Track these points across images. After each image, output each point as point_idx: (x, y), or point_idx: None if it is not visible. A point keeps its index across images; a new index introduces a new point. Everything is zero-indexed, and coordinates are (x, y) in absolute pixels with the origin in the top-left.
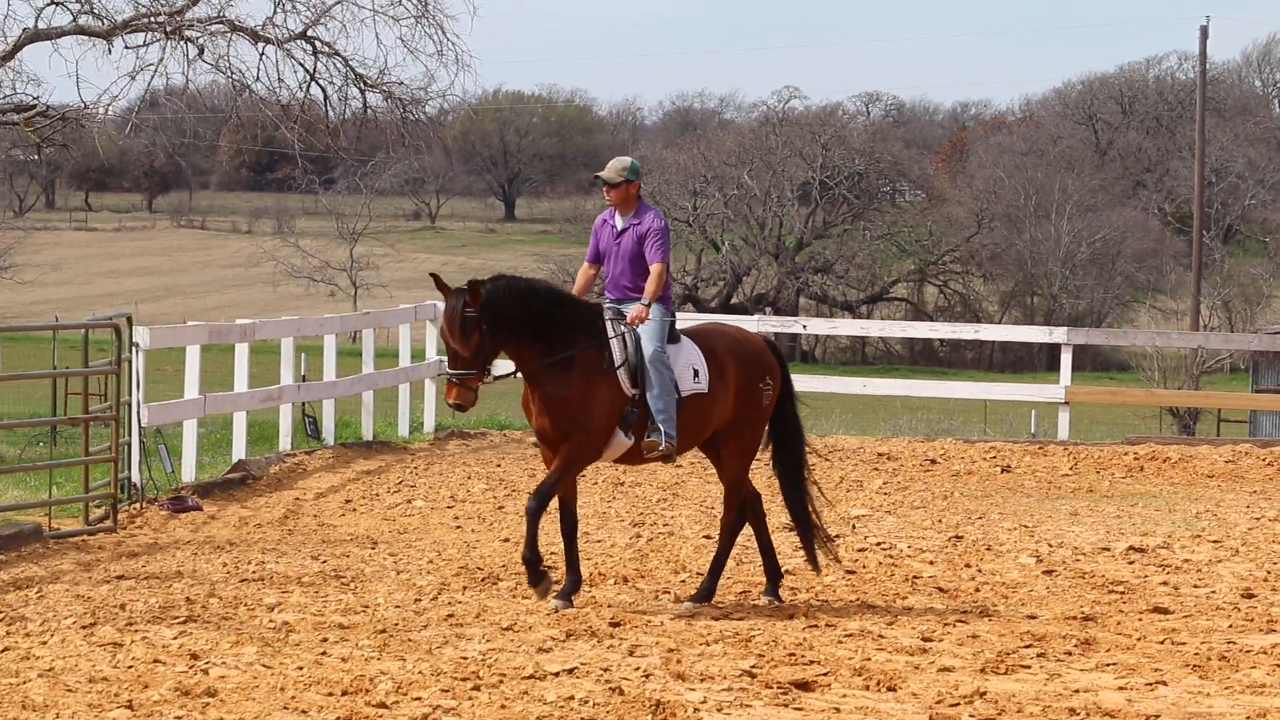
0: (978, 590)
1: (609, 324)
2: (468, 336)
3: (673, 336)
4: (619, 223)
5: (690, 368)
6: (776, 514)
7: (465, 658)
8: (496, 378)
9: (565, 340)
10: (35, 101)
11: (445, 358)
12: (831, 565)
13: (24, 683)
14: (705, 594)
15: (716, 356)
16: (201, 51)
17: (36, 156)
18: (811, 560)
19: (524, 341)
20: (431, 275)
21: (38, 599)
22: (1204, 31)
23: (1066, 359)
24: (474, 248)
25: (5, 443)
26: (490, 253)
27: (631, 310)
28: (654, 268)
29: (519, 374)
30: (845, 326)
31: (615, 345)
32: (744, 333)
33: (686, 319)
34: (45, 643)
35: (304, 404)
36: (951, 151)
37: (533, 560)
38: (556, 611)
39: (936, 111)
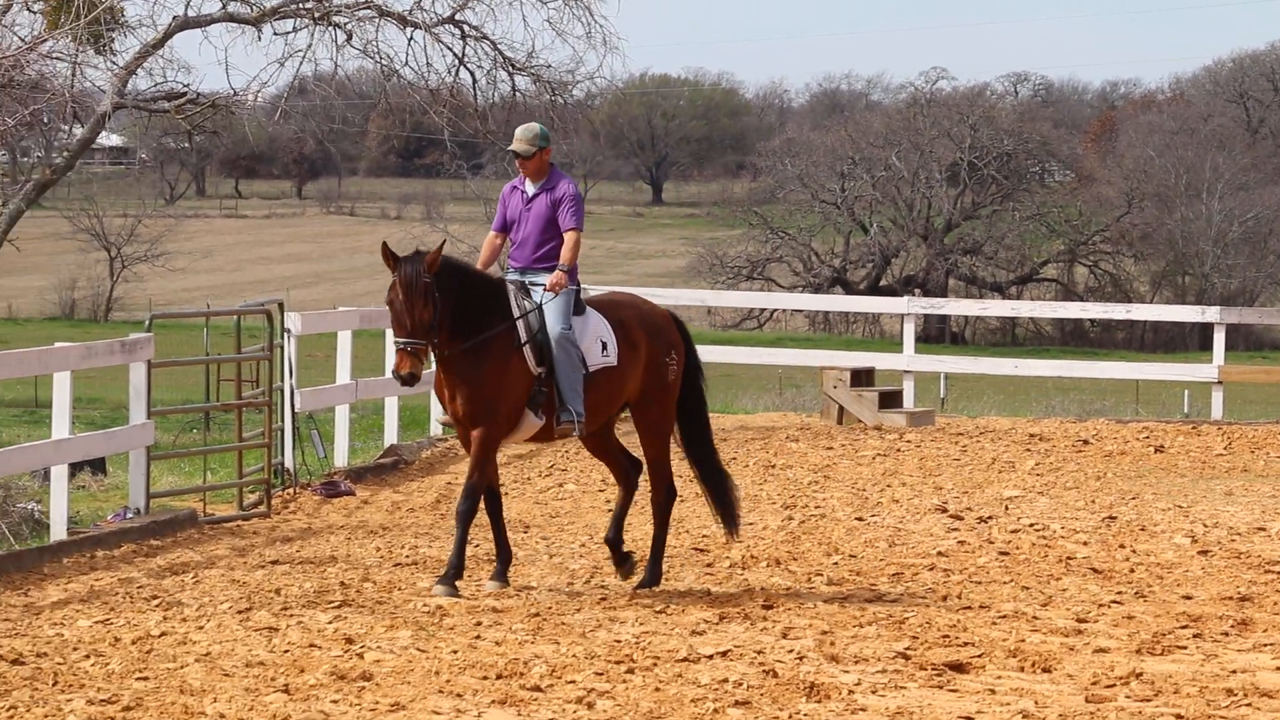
0: (1132, 571)
1: (513, 302)
2: (425, 304)
3: (578, 308)
4: (529, 189)
5: (598, 340)
6: (689, 492)
7: (619, 641)
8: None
9: (480, 322)
10: (186, 89)
11: (395, 328)
12: (985, 547)
13: (181, 667)
14: (653, 578)
15: (626, 328)
16: (350, 37)
17: (187, 144)
18: (729, 528)
19: (447, 322)
20: (383, 244)
21: (194, 584)
22: None
23: (1220, 338)
24: (621, 231)
25: (160, 429)
26: (637, 236)
27: (550, 278)
28: (570, 235)
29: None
30: (995, 308)
31: (520, 325)
32: (649, 304)
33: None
34: (202, 627)
35: None
36: (1101, 131)
37: (458, 567)
38: (492, 594)
39: (1085, 91)
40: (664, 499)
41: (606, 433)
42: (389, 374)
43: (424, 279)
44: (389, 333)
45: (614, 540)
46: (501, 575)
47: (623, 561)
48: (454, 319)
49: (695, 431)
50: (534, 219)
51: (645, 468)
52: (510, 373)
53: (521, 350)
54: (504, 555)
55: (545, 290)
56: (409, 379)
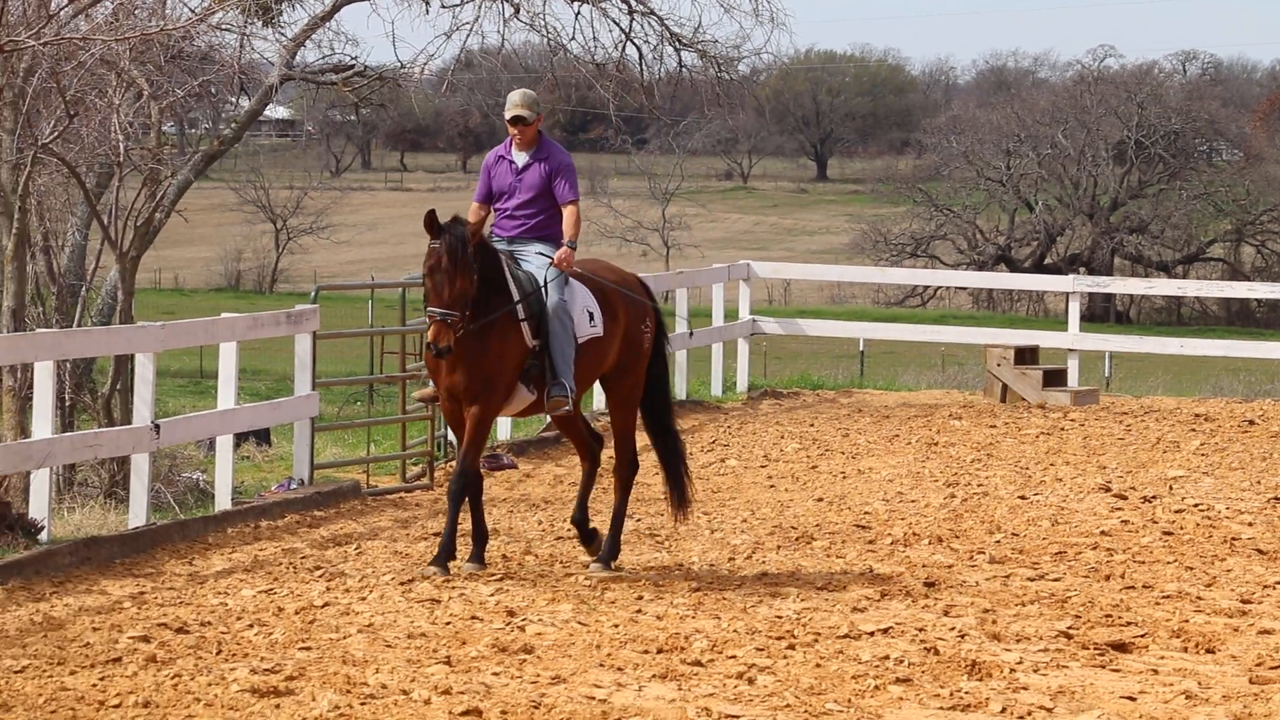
0: None
1: (508, 274)
2: (466, 275)
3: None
4: (519, 158)
5: (586, 311)
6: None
7: (780, 616)
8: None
9: (489, 296)
10: (353, 62)
11: (432, 298)
12: (1148, 527)
13: (344, 638)
14: (611, 553)
15: (608, 297)
16: (517, 10)
17: (354, 117)
18: (679, 505)
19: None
20: (430, 211)
21: (356, 555)
22: None
23: None
24: (785, 208)
25: (324, 401)
26: (801, 213)
27: (558, 254)
28: (571, 208)
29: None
30: (1161, 287)
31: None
32: (623, 271)
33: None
34: (364, 599)
35: None
36: (1270, 110)
37: (450, 548)
38: (469, 575)
39: (1254, 69)
40: (628, 472)
41: (576, 406)
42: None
43: (467, 249)
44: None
45: (580, 520)
46: (479, 557)
47: (590, 539)
48: (477, 292)
49: (659, 401)
50: (526, 189)
51: (612, 440)
52: (509, 347)
53: (520, 324)
54: (481, 537)
55: (552, 265)
56: (446, 351)
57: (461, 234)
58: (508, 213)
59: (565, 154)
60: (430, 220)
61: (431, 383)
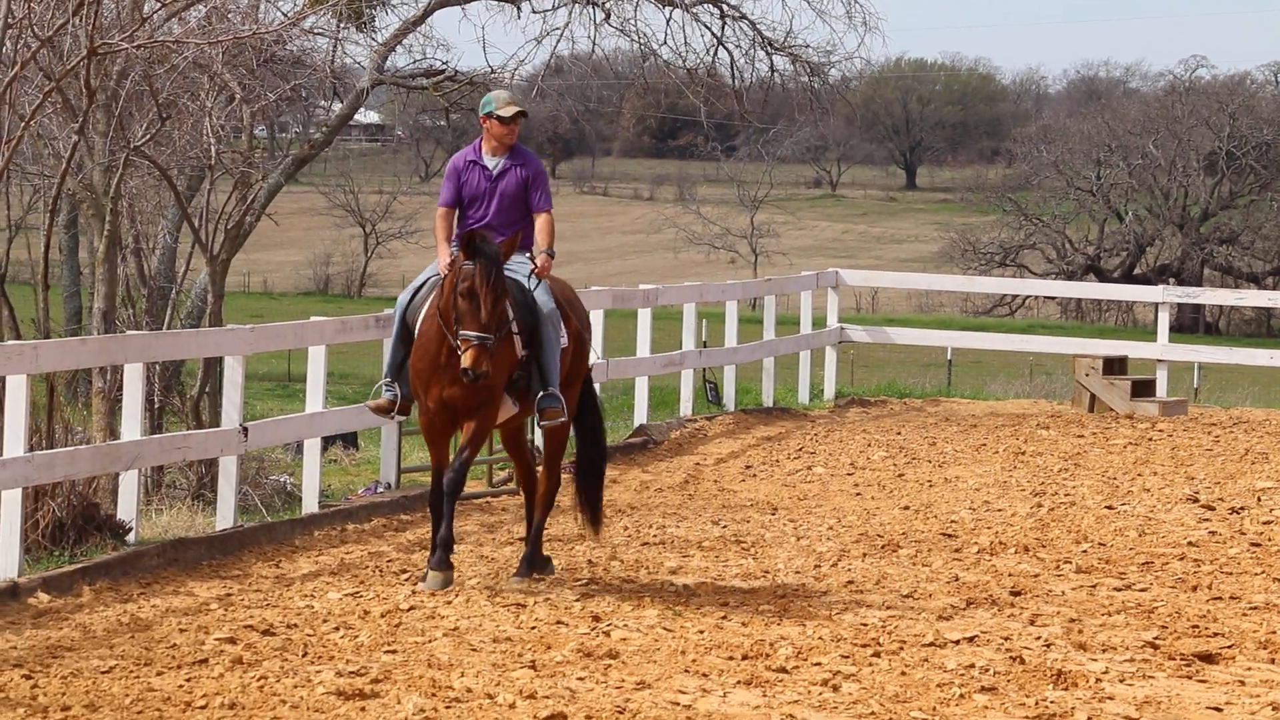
0: None
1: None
2: (502, 298)
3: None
4: (492, 163)
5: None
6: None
7: (865, 624)
8: None
9: None
10: (444, 66)
11: (467, 321)
12: (1236, 538)
13: (429, 641)
14: (530, 565)
15: (562, 307)
16: (608, 16)
17: (444, 121)
18: (593, 524)
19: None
20: (472, 232)
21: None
22: None
23: None
24: (874, 216)
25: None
26: (890, 221)
27: (539, 263)
28: (545, 217)
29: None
30: (1251, 298)
31: (510, 308)
32: (560, 279)
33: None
34: (450, 602)
35: (705, 369)
36: None
37: (448, 540)
38: (434, 591)
39: None
40: (553, 486)
41: (522, 425)
42: (462, 367)
43: (502, 270)
44: (640, 312)
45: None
46: (446, 563)
47: (544, 565)
48: None
49: (595, 414)
50: (502, 196)
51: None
52: (505, 358)
53: (514, 335)
54: (449, 542)
55: (533, 275)
56: (484, 376)
57: (495, 254)
58: (481, 222)
59: (539, 161)
60: (469, 241)
61: (389, 392)
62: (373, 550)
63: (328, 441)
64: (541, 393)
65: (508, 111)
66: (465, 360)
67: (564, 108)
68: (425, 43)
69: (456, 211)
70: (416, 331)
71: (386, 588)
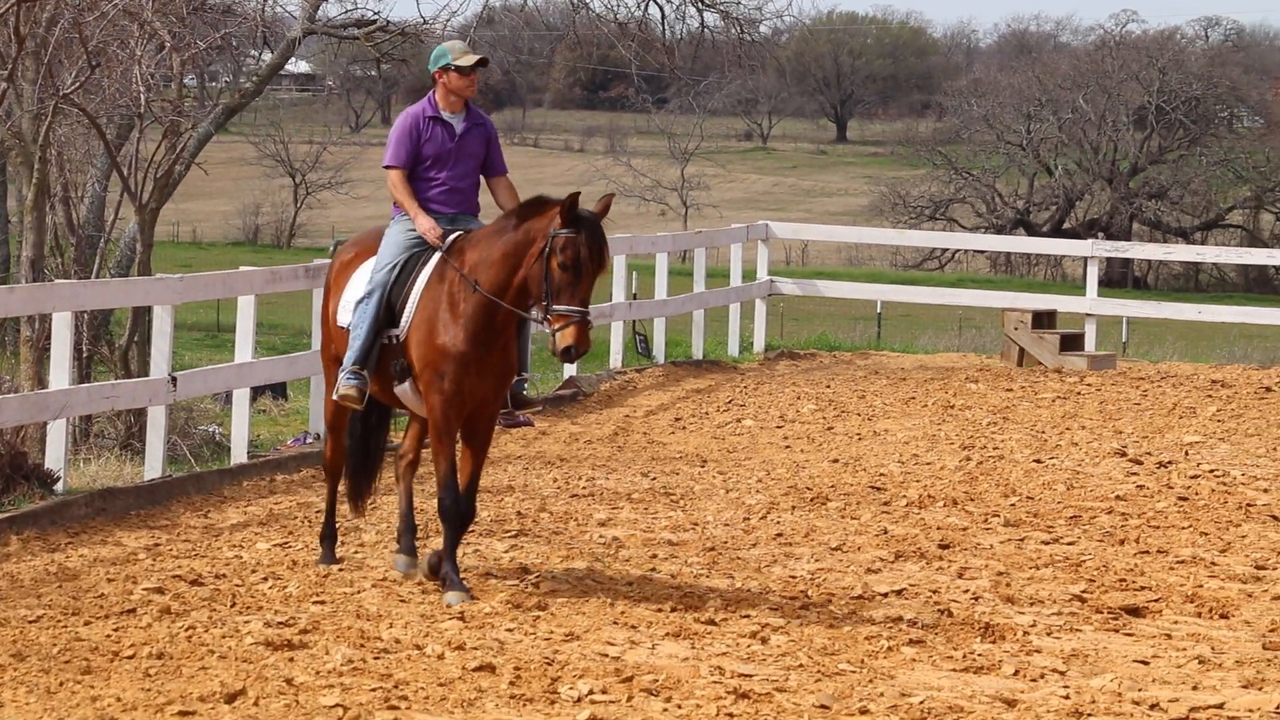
0: None
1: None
2: (599, 273)
3: None
4: (454, 121)
5: None
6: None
7: (794, 577)
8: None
9: None
10: (375, 17)
11: (568, 295)
12: (1164, 492)
13: (358, 592)
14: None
15: None
16: None
17: (375, 72)
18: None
19: None
20: (574, 195)
21: (371, 510)
22: None
23: None
24: (804, 169)
25: None
26: (820, 174)
27: None
28: (507, 180)
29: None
30: (1179, 253)
31: None
32: None
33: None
34: (380, 554)
35: (635, 322)
36: None
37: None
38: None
39: (1277, 36)
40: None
41: None
42: (557, 348)
43: (605, 240)
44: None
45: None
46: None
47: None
48: None
49: None
50: (468, 157)
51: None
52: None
53: None
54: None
55: None
56: (585, 353)
57: (597, 222)
58: (444, 184)
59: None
60: (571, 207)
61: (355, 380)
62: (302, 501)
63: (257, 392)
64: (516, 378)
65: (467, 61)
66: (565, 337)
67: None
68: None
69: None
70: (414, 309)
71: (315, 538)
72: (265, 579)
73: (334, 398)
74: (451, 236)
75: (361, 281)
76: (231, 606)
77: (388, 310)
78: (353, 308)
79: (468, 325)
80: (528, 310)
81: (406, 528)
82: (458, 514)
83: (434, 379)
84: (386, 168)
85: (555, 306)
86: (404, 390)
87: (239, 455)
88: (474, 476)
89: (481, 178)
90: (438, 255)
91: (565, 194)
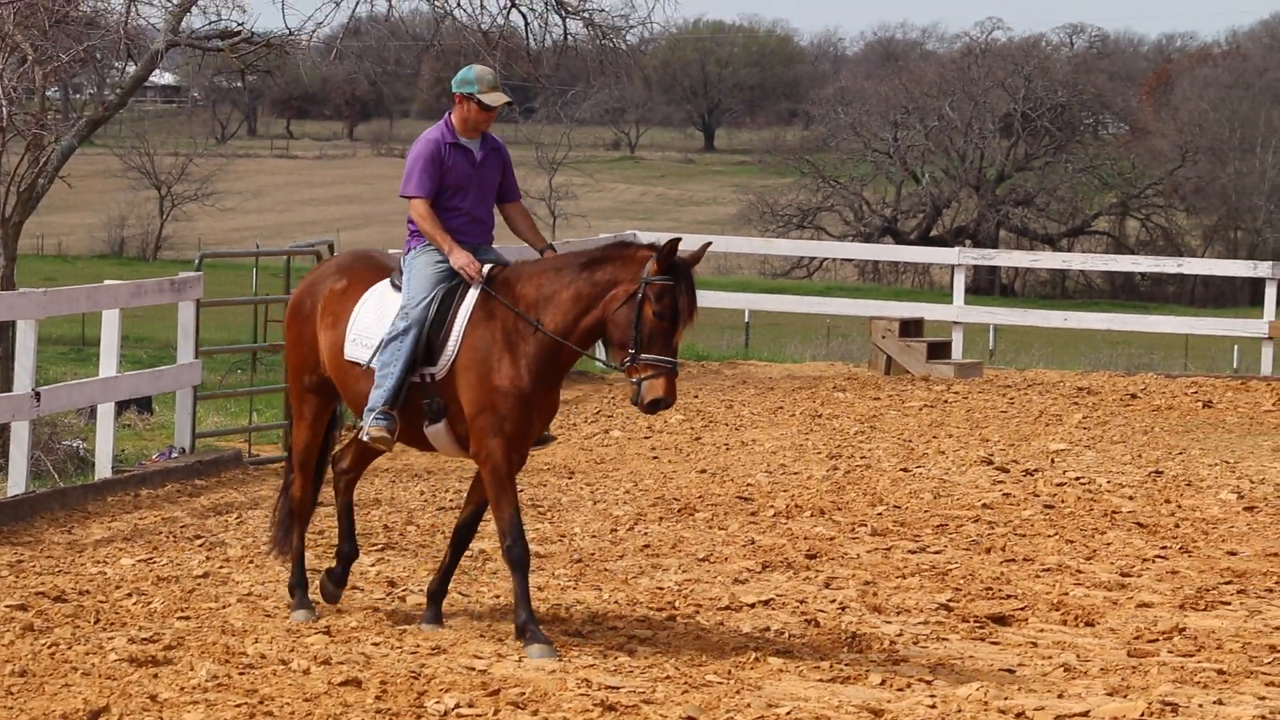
0: (1177, 526)
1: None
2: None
3: None
4: (472, 146)
5: None
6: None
7: (661, 588)
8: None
9: None
10: (240, 28)
11: (659, 345)
12: (1030, 500)
13: (223, 607)
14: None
15: None
16: None
17: (240, 83)
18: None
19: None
20: (672, 244)
21: (237, 525)
22: None
23: (1271, 293)
24: (673, 178)
25: (206, 369)
26: (689, 184)
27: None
28: (521, 206)
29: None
30: (1046, 260)
31: None
32: None
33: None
34: (245, 568)
35: None
36: (1156, 84)
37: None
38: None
39: (1141, 43)
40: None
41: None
42: (645, 401)
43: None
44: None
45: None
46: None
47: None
48: None
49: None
50: (488, 184)
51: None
52: None
53: None
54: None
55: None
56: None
57: (691, 272)
58: (466, 214)
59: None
60: (670, 254)
61: (385, 421)
62: (167, 516)
63: (122, 406)
64: None
65: (493, 101)
66: (655, 389)
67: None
68: (221, 3)
69: None
70: (457, 347)
71: (180, 553)
72: (130, 595)
73: (364, 439)
74: (486, 269)
75: (378, 316)
76: (95, 623)
77: (429, 350)
78: (376, 345)
79: (530, 365)
80: (625, 355)
81: (347, 550)
82: (526, 560)
83: (494, 421)
84: (409, 197)
85: (644, 356)
86: (437, 431)
87: (104, 470)
88: (483, 506)
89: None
90: (476, 289)
91: (536, 234)
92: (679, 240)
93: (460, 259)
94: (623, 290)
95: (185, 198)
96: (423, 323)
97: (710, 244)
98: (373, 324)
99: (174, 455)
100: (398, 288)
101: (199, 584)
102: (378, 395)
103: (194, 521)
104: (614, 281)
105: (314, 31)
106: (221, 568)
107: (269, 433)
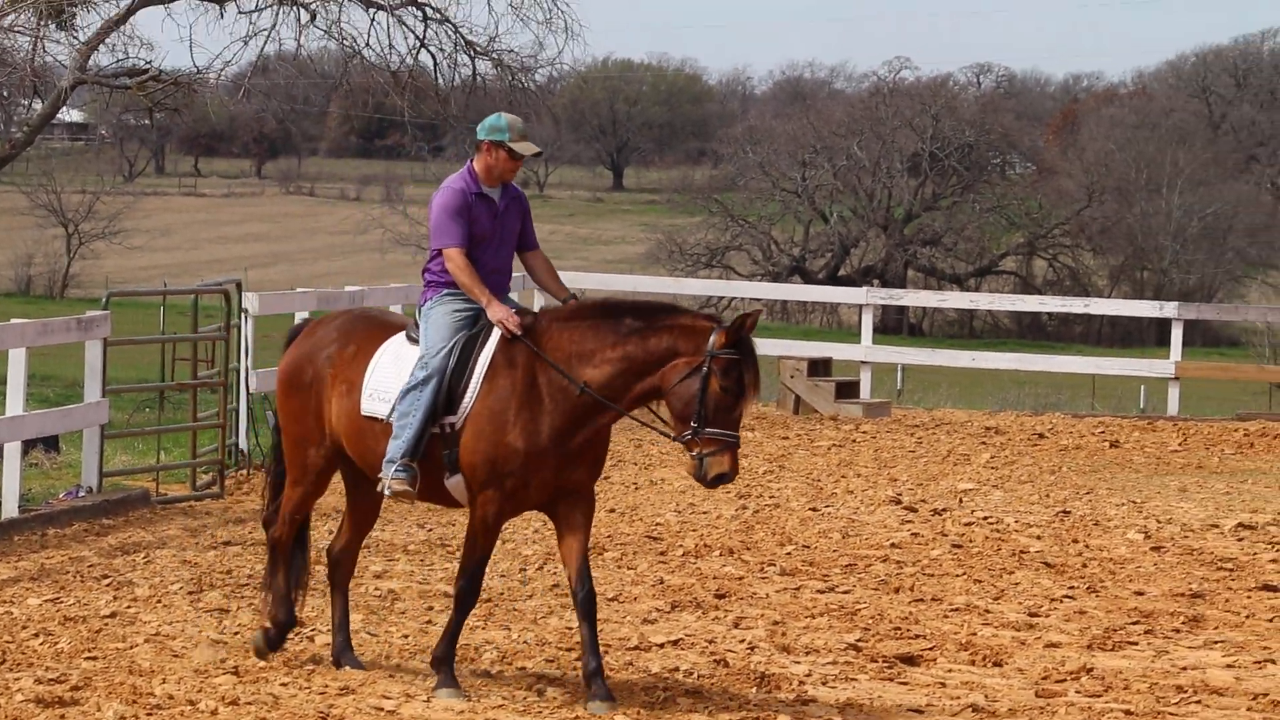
0: (1085, 566)
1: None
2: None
3: None
4: (495, 196)
5: None
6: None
7: (570, 628)
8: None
9: None
10: (148, 66)
11: (724, 419)
12: (938, 539)
13: (131, 648)
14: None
15: None
16: (314, 17)
17: (148, 121)
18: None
19: None
20: (752, 316)
21: (145, 564)
22: None
23: (1177, 334)
24: (581, 217)
25: (114, 408)
26: (598, 222)
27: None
28: (541, 254)
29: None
30: (953, 299)
31: None
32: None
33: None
34: (153, 608)
35: None
36: (1062, 124)
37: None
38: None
39: (1048, 83)
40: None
41: None
42: (709, 476)
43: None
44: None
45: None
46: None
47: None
48: None
49: None
50: (509, 236)
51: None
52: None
53: None
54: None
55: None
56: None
57: (753, 343)
58: (489, 266)
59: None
60: (741, 328)
61: (405, 474)
62: (74, 555)
63: (28, 445)
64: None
65: (526, 150)
66: (720, 464)
67: (270, 108)
68: (129, 42)
69: None
70: (475, 396)
71: (88, 593)
72: (36, 635)
73: (386, 494)
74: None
75: (396, 369)
76: (1, 663)
77: (450, 400)
78: (394, 397)
79: (554, 422)
80: (685, 427)
81: (343, 641)
82: (471, 603)
83: (494, 475)
84: (443, 249)
85: (709, 429)
86: (457, 482)
87: (10, 509)
88: (585, 558)
89: None
90: (497, 335)
91: (559, 284)
92: (757, 315)
93: (499, 312)
94: (684, 362)
95: (93, 235)
96: (443, 371)
97: (762, 311)
98: (391, 377)
99: (81, 494)
100: (412, 340)
101: (106, 624)
102: (397, 446)
103: (101, 561)
104: (674, 351)
105: (222, 70)
106: (129, 607)
107: (177, 472)
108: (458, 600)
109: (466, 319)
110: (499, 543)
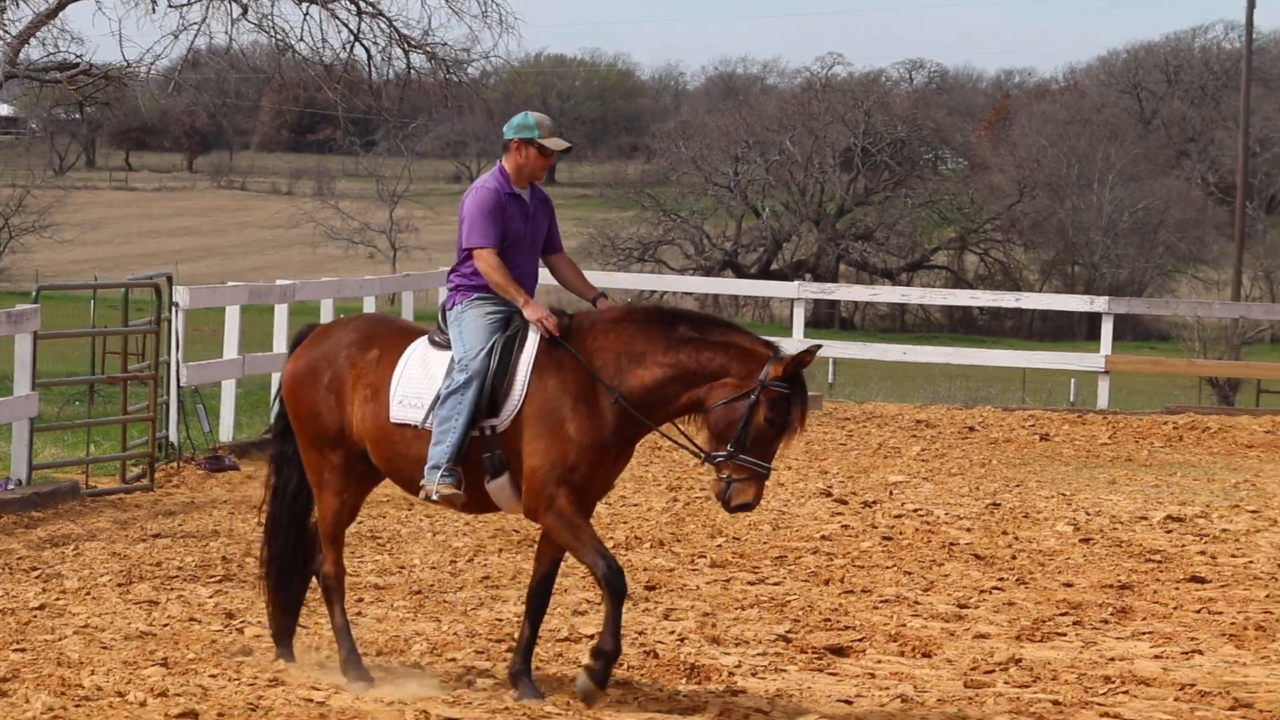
0: (1014, 558)
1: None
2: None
3: None
4: (525, 197)
5: None
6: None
7: (500, 619)
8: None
9: None
10: (78, 60)
11: (761, 449)
12: (868, 531)
13: (60, 639)
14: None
15: None
16: (245, 11)
17: (78, 115)
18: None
19: None
20: (804, 358)
21: (74, 556)
22: (1251, 1)
23: (1107, 328)
24: None
25: (44, 401)
26: None
27: (599, 305)
28: (568, 257)
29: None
30: (885, 294)
31: None
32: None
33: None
34: (82, 600)
35: None
36: (994, 119)
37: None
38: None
39: (980, 79)
40: None
41: None
42: (731, 503)
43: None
44: (277, 308)
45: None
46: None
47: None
48: None
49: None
50: (538, 238)
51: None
52: None
53: None
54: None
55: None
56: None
57: (805, 380)
58: (520, 268)
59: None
60: (797, 364)
61: (450, 478)
62: (2, 548)
63: None
64: None
65: (556, 145)
66: (745, 493)
67: (201, 102)
68: (59, 36)
69: None
70: (522, 397)
71: (16, 585)
72: None
73: (434, 499)
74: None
75: (425, 375)
76: None
77: (493, 402)
78: (428, 403)
79: (607, 419)
80: (721, 451)
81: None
82: (624, 589)
83: (561, 471)
84: (475, 249)
85: (743, 456)
86: (500, 485)
87: None
88: (555, 563)
89: None
90: (535, 336)
91: (587, 284)
92: (816, 350)
93: (536, 312)
94: (733, 385)
95: (23, 229)
96: (484, 373)
97: (821, 346)
98: (420, 383)
99: (10, 487)
100: (437, 345)
101: (35, 616)
102: (439, 451)
103: (30, 553)
104: (724, 371)
105: (152, 64)
106: (58, 599)
107: (107, 465)
108: (611, 593)
109: (500, 320)
110: (429, 534)
